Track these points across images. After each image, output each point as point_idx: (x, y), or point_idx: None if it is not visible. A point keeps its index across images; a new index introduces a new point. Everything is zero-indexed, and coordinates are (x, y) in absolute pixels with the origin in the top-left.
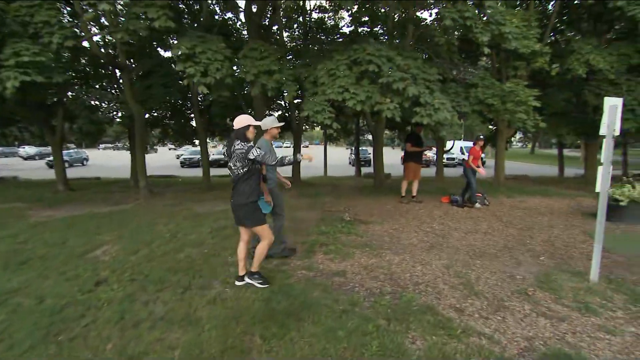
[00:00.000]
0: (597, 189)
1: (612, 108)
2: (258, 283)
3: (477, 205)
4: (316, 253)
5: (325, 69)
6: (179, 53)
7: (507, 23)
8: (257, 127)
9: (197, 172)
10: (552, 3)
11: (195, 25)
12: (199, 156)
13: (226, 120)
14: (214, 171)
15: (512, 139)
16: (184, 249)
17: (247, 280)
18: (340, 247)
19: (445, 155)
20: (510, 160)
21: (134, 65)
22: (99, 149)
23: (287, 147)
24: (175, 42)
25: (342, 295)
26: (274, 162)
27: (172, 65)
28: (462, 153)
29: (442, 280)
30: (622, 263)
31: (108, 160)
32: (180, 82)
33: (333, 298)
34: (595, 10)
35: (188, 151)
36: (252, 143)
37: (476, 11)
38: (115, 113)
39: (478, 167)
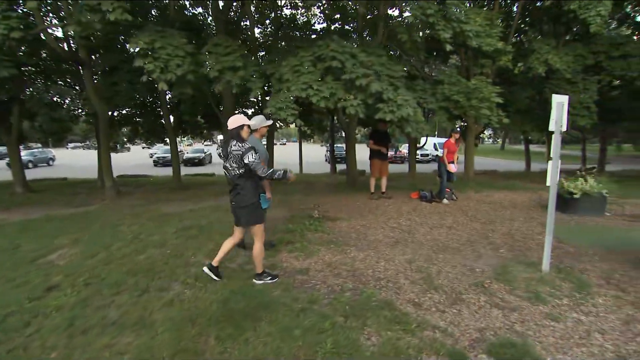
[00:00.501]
0: (548, 183)
1: (559, 105)
2: (269, 280)
3: (445, 201)
4: (281, 251)
5: (290, 66)
6: (137, 48)
7: (469, 21)
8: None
9: (170, 172)
10: (516, 5)
11: (163, 20)
12: None
13: (197, 118)
14: (189, 170)
15: (483, 135)
16: (145, 250)
17: (255, 281)
18: (306, 244)
19: (418, 152)
20: (481, 156)
21: (99, 61)
22: (67, 148)
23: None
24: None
25: (302, 294)
26: (263, 175)
27: None
28: (436, 149)
29: (404, 275)
30: (572, 253)
31: (77, 160)
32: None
33: (293, 297)
34: (554, 12)
35: (161, 150)
36: (248, 143)
37: (439, 9)
38: (79, 111)
39: (451, 162)
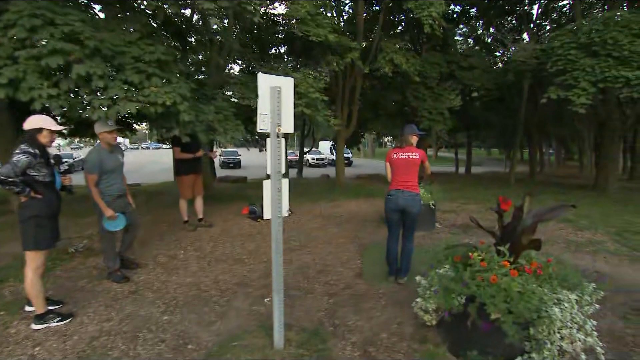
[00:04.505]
0: (266, 216)
1: (274, 91)
2: (56, 321)
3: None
4: None
5: None
6: None
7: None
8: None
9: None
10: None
11: None
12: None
13: None
14: None
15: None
16: None
17: (34, 326)
18: None
19: (311, 155)
20: (377, 160)
21: None
22: None
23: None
24: None
25: None
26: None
27: None
28: (332, 153)
29: None
30: (361, 295)
31: None
32: None
33: None
34: (397, 12)
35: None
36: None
37: None
38: None
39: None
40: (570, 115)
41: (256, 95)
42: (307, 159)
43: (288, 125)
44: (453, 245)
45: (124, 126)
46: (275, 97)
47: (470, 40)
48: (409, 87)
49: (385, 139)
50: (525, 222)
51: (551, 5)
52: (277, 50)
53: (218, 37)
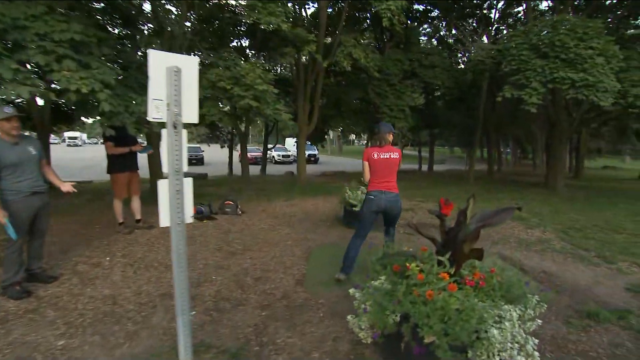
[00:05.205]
0: (163, 223)
1: (170, 72)
2: None
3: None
4: None
5: None
6: None
7: None
8: None
9: None
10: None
11: None
12: None
13: None
14: None
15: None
16: None
17: None
18: None
19: (278, 152)
20: (345, 157)
21: None
22: None
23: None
24: None
25: None
26: None
27: None
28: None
29: None
30: (299, 307)
31: None
32: None
33: None
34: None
35: None
36: None
37: None
38: None
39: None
40: (524, 116)
41: (203, 87)
42: (273, 156)
43: (191, 114)
44: (391, 254)
45: (25, 114)
46: (172, 79)
47: (434, 41)
48: (370, 84)
49: (352, 137)
50: (468, 228)
51: (507, 11)
52: (239, 43)
53: (168, 25)
